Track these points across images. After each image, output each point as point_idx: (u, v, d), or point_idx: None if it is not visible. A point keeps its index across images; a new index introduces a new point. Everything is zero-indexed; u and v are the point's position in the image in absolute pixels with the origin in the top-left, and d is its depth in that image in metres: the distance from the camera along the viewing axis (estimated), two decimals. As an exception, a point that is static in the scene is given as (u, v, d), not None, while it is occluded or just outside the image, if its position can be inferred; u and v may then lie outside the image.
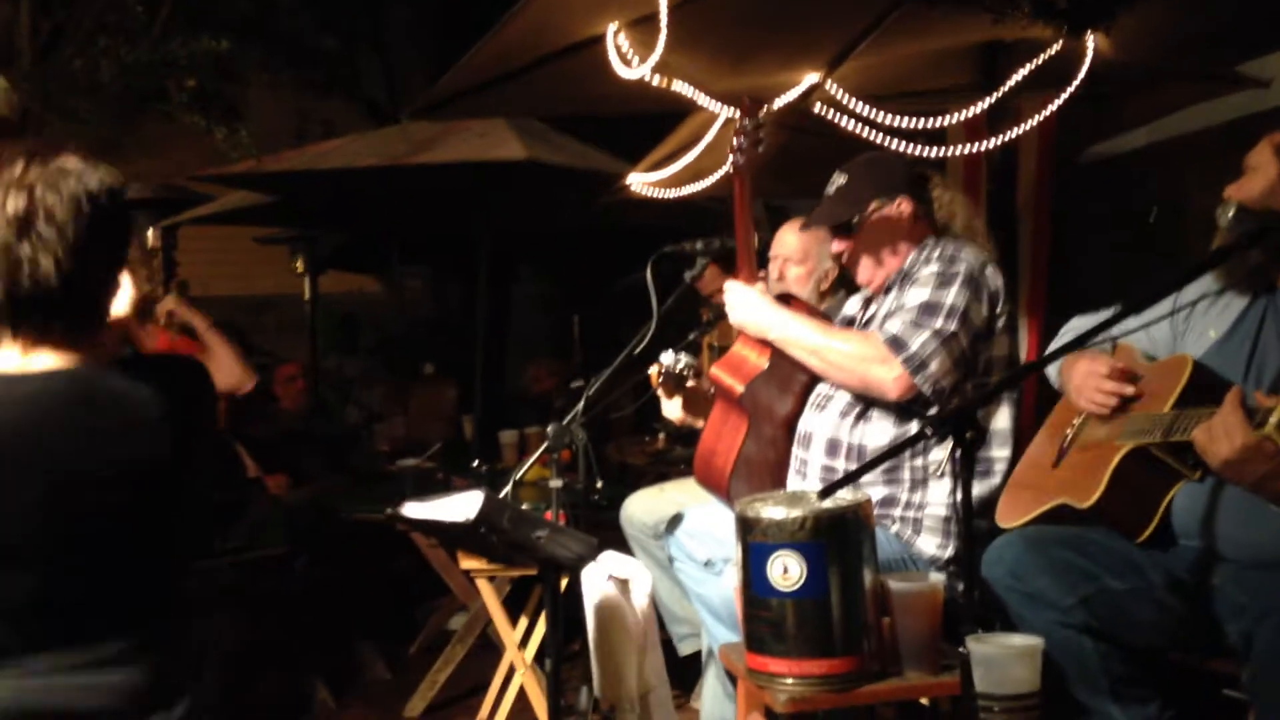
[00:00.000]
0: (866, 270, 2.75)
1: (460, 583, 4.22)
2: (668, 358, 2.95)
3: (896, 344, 2.47)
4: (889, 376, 2.46)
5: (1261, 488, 1.91)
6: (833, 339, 2.59)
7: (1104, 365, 2.33)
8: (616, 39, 3.14)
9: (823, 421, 2.64)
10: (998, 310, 2.57)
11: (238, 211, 7.11)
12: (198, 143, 7.23)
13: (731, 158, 2.68)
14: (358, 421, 8.10)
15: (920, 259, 2.65)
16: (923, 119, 3.77)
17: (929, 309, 2.49)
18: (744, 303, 2.70)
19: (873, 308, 2.79)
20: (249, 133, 6.53)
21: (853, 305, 2.96)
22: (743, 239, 2.70)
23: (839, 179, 2.75)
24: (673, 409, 3.12)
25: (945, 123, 3.77)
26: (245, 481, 5.03)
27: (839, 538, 2.05)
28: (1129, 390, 2.28)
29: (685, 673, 3.55)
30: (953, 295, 2.49)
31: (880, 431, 2.55)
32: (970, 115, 3.70)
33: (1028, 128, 3.86)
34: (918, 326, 2.48)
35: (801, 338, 2.61)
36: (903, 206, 2.69)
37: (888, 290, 2.72)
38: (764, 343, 2.72)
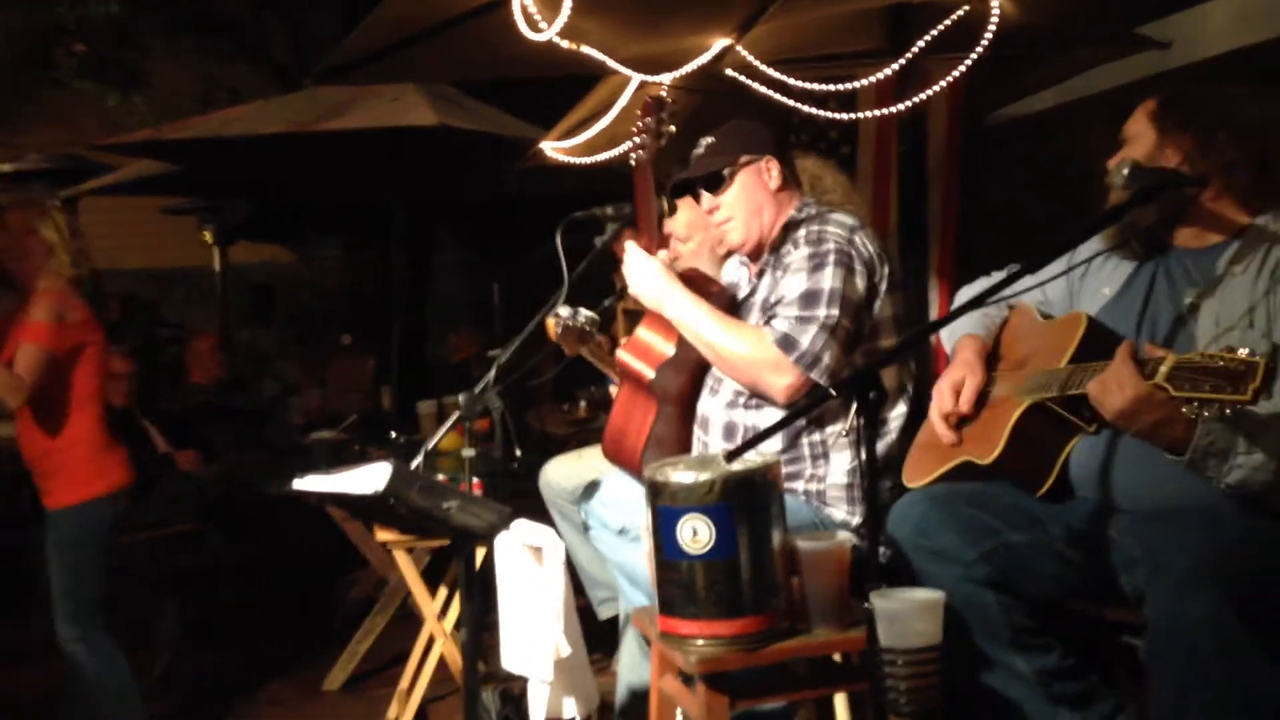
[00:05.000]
0: (738, 230, 2.74)
1: (378, 555, 4.18)
2: (565, 310, 2.92)
3: (787, 343, 2.48)
4: (780, 383, 2.49)
5: (1155, 435, 1.96)
6: (727, 336, 2.57)
7: (960, 390, 2.36)
8: (523, 1, 3.08)
9: (716, 405, 2.66)
10: (876, 277, 2.58)
11: (141, 181, 6.89)
12: (98, 111, 7.00)
13: (634, 156, 2.69)
14: (274, 395, 7.96)
15: (790, 238, 2.66)
16: (833, 83, 3.79)
17: (810, 298, 2.51)
18: (642, 271, 2.69)
19: (753, 283, 2.79)
20: (148, 99, 6.33)
21: (734, 270, 2.96)
22: (645, 223, 2.72)
23: (707, 139, 2.78)
24: None
25: (855, 86, 3.80)
26: (154, 458, 4.92)
27: (747, 500, 2.06)
28: (955, 417, 2.35)
29: (606, 637, 3.56)
30: (828, 278, 2.51)
31: (774, 415, 2.56)
32: (880, 79, 3.72)
33: (937, 90, 3.90)
34: (804, 322, 2.49)
35: (698, 327, 2.61)
36: (770, 165, 2.71)
37: (761, 271, 2.74)
38: (668, 326, 2.71)
